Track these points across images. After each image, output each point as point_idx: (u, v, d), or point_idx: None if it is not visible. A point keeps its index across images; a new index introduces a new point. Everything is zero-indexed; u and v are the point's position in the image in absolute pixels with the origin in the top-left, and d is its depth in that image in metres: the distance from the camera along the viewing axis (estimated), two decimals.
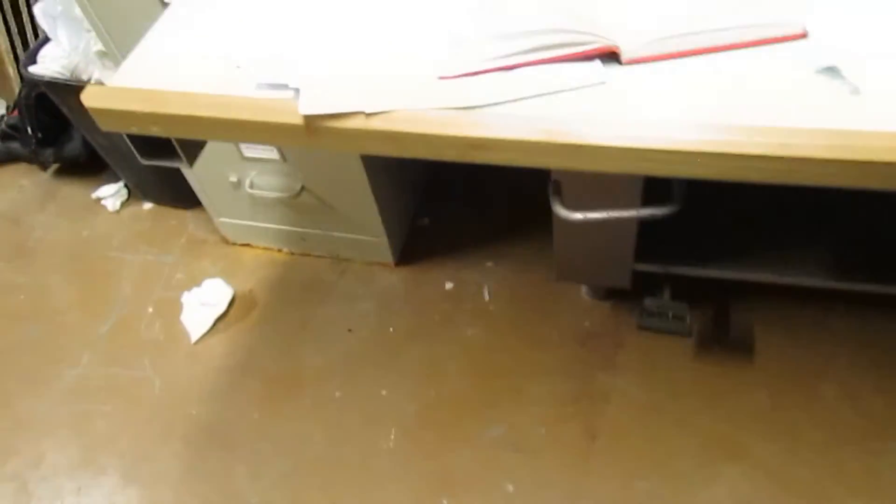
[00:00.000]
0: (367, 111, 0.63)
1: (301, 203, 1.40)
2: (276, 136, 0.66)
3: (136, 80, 0.70)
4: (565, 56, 0.64)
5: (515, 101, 0.62)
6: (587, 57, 0.65)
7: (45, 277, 1.60)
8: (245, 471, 1.25)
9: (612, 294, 1.34)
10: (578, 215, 0.82)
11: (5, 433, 1.36)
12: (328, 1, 0.76)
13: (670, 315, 1.19)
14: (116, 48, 1.21)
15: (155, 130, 0.67)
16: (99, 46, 1.33)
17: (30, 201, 1.75)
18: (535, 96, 0.62)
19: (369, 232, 1.43)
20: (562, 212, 0.82)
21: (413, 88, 0.65)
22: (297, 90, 0.65)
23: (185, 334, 1.45)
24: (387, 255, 1.48)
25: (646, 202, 0.89)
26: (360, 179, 1.29)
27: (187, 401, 1.36)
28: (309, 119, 0.63)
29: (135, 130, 0.68)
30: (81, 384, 1.41)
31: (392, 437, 1.26)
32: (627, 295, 1.29)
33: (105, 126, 0.69)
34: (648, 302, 1.19)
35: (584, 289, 1.36)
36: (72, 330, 1.50)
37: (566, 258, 1.20)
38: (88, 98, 0.68)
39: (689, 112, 0.60)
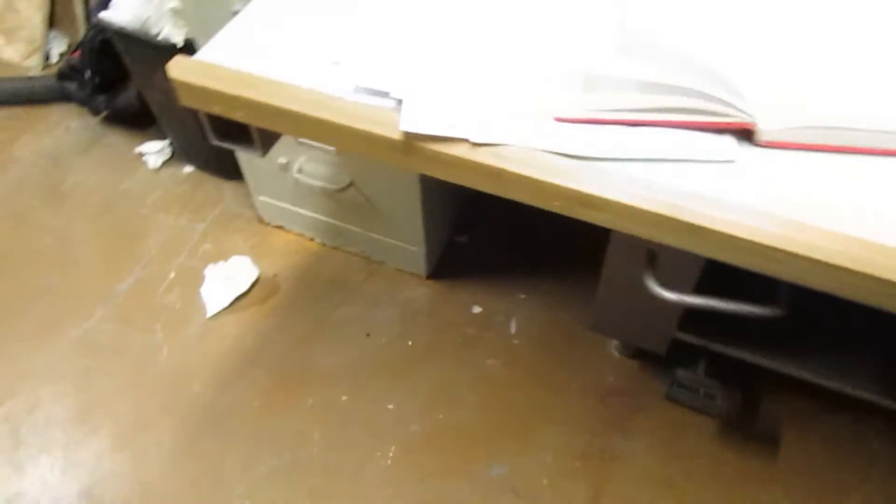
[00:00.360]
0: (474, 140, 0.58)
1: (345, 197, 1.37)
2: (368, 147, 0.61)
3: (226, 58, 0.67)
4: (698, 123, 0.59)
5: (635, 161, 0.57)
6: (721, 129, 0.60)
7: (75, 224, 1.58)
8: (237, 458, 1.22)
9: (642, 353, 1.31)
10: (673, 296, 0.77)
11: (7, 374, 1.33)
12: (450, 6, 0.70)
13: (701, 392, 1.15)
14: (192, 9, 1.19)
15: (238, 115, 0.64)
16: (174, 4, 1.31)
17: (74, 144, 1.73)
18: (657, 160, 0.57)
19: (408, 240, 1.40)
20: (655, 288, 0.77)
21: (527, 124, 0.59)
22: (399, 101, 0.61)
23: (202, 307, 1.43)
24: (420, 266, 1.45)
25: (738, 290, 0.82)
26: (411, 186, 1.26)
27: (192, 375, 1.33)
28: (408, 137, 0.59)
29: (217, 111, 0.65)
30: (90, 339, 1.38)
31: (391, 453, 1.23)
32: (658, 358, 1.25)
33: (186, 101, 0.66)
34: (681, 374, 1.15)
35: (614, 343, 1.32)
36: (91, 282, 1.47)
37: (605, 311, 1.17)
38: (176, 69, 0.65)
39: (827, 216, 0.53)
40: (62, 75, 1.63)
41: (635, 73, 0.59)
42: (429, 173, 0.61)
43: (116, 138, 1.74)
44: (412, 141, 0.59)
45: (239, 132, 0.70)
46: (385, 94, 0.62)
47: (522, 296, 1.43)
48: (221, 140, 0.70)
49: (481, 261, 1.49)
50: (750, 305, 0.79)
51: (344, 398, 1.30)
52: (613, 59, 0.60)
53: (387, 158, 0.61)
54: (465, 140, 0.59)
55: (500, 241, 1.52)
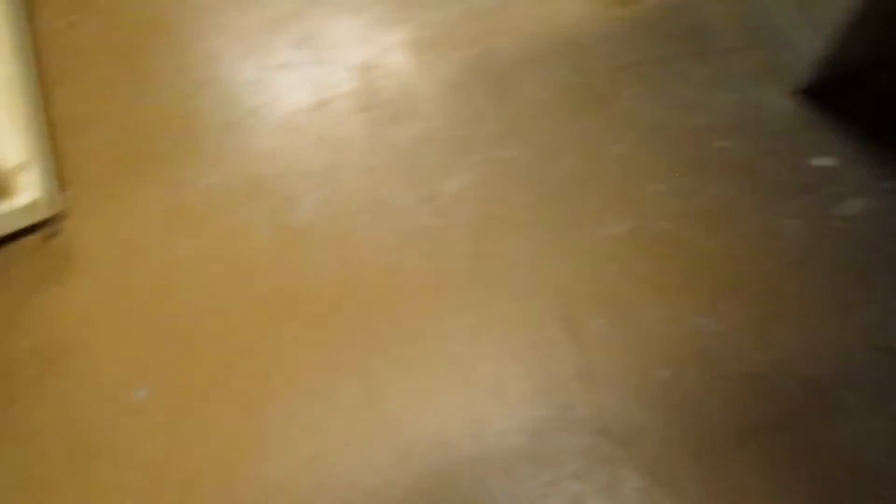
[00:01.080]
0: None
1: None
2: None
3: None
4: None
5: None
6: None
7: None
8: (489, 124, 1.17)
9: None
10: None
11: None
12: None
13: None
14: None
15: None
16: None
17: None
18: None
19: (812, 30, 1.07)
20: None
21: None
22: None
23: None
24: (802, 71, 1.12)
25: None
26: None
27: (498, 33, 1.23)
28: None
29: None
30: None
31: (616, 229, 1.09)
32: None
33: None
34: None
35: None
36: None
37: None
38: None
39: None
40: None
41: None
42: None
43: None
44: None
45: None
46: None
47: (885, 184, 1.09)
48: None
49: (873, 112, 1.12)
50: None
51: (621, 148, 1.15)
52: None
53: None
54: None
55: None
